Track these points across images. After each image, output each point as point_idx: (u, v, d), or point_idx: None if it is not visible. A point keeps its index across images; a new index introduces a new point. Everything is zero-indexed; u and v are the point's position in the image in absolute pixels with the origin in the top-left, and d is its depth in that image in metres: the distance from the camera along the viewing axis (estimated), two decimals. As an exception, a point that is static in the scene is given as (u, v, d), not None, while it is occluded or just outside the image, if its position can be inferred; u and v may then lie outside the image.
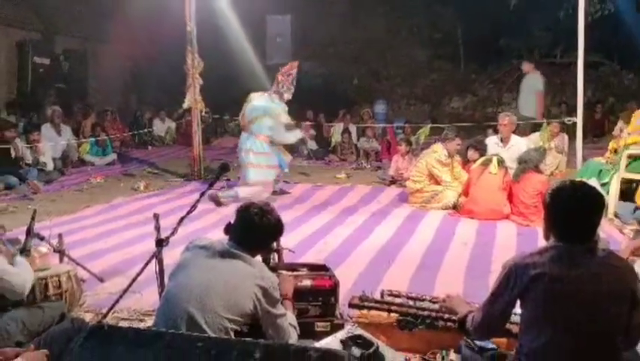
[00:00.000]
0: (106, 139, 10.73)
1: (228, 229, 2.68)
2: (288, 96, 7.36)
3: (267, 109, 7.21)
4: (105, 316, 3.23)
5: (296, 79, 7.43)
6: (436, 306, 3.19)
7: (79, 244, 5.23)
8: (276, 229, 2.74)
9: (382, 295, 3.34)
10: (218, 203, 6.83)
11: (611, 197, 6.24)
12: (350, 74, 15.68)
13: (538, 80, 9.68)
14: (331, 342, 2.66)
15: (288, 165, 7.78)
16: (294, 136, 7.66)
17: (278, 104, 7.30)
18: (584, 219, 2.28)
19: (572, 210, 2.27)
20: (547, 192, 2.38)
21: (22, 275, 2.95)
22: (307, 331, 2.94)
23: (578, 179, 3.75)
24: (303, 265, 3.50)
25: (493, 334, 2.56)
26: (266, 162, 7.22)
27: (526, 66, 9.90)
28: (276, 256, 3.30)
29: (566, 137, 9.10)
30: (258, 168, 7.17)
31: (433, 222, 6.29)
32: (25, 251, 3.50)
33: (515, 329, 2.51)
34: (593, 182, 6.24)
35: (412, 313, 3.12)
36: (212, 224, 5.91)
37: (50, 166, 8.91)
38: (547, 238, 2.38)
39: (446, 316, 3.09)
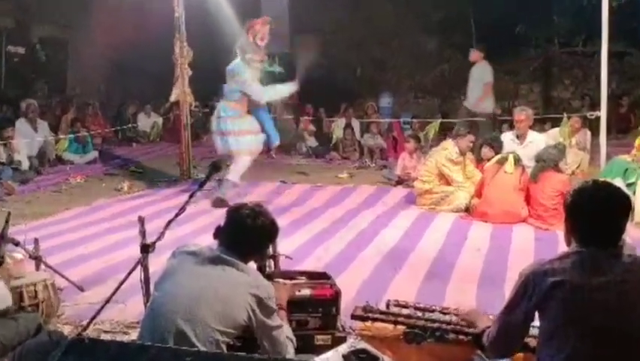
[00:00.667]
0: (86, 135, 10.75)
1: (218, 233, 2.68)
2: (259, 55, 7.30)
3: (231, 71, 7.20)
4: (85, 328, 3.23)
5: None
6: (447, 318, 3.19)
7: (57, 250, 5.24)
8: (270, 231, 2.73)
9: (388, 306, 3.33)
10: (224, 204, 6.67)
11: (638, 199, 6.24)
12: (352, 63, 15.67)
13: (487, 70, 9.79)
14: (332, 357, 2.66)
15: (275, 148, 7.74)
16: (284, 90, 7.61)
17: (245, 65, 7.20)
18: (609, 222, 2.28)
19: (596, 213, 2.27)
20: (568, 193, 2.39)
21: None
22: (306, 344, 2.94)
23: (602, 179, 3.76)
24: (302, 273, 3.49)
25: (510, 350, 2.53)
26: (247, 126, 7.16)
27: (474, 55, 9.98)
28: (272, 262, 3.30)
29: (588, 133, 9.11)
30: (240, 136, 7.13)
31: (444, 225, 6.29)
32: (-2, 258, 3.51)
33: (533, 342, 2.50)
34: (619, 182, 6.25)
35: (420, 326, 3.12)
36: (202, 228, 5.91)
37: (26, 165, 8.92)
38: (568, 243, 2.38)
39: (457, 328, 3.09)
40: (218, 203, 6.86)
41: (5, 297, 2.96)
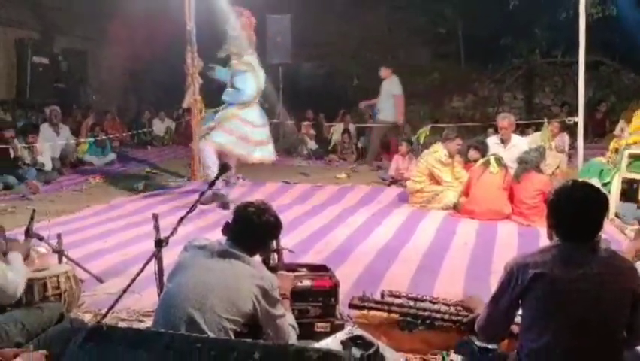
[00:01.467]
0: (105, 139, 10.74)
1: (226, 229, 2.68)
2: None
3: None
4: (104, 316, 3.22)
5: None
6: (436, 307, 3.20)
7: (78, 244, 5.23)
8: (275, 227, 2.73)
9: (382, 296, 3.34)
10: (225, 204, 6.62)
11: (613, 197, 6.23)
12: (350, 73, 15.67)
13: (396, 83, 10.12)
14: (331, 343, 2.66)
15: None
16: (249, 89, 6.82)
17: (227, 68, 7.00)
18: (587, 218, 2.28)
19: (575, 210, 2.27)
20: (550, 192, 2.39)
21: (15, 277, 2.93)
22: (307, 331, 2.94)
23: (580, 179, 3.75)
24: (303, 266, 3.50)
25: (497, 336, 2.55)
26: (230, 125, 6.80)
27: (383, 72, 10.25)
28: (275, 256, 3.30)
29: (566, 136, 9.10)
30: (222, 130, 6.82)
31: (434, 222, 6.29)
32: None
33: (516, 329, 2.51)
34: (595, 182, 6.24)
35: (412, 314, 3.13)
36: (211, 224, 5.90)
37: (49, 166, 8.91)
38: (550, 237, 2.39)
39: (446, 316, 3.09)
40: (221, 204, 6.69)
41: (15, 283, 2.90)
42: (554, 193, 2.35)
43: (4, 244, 3.18)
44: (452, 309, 3.17)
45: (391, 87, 10.06)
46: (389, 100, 10.06)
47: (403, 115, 10.21)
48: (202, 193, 3.00)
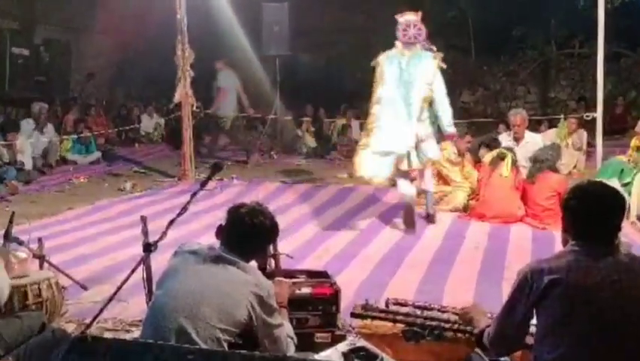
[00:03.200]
0: (89, 136, 10.74)
1: (220, 232, 2.68)
2: None
3: None
4: (88, 326, 3.22)
5: None
6: (445, 316, 3.19)
7: (60, 249, 5.23)
8: (270, 230, 2.73)
9: (387, 304, 3.33)
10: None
11: (634, 198, 6.23)
12: (352, 65, 15.67)
13: (228, 76, 10.47)
14: (332, 354, 2.67)
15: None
16: None
17: None
18: (603, 221, 2.28)
19: (590, 212, 2.27)
20: (564, 193, 2.40)
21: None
22: (306, 342, 2.94)
23: (598, 179, 3.76)
24: (302, 272, 3.50)
25: (511, 349, 2.52)
26: None
27: (218, 64, 10.55)
28: (272, 261, 3.30)
29: (584, 133, 9.10)
30: None
31: (442, 225, 6.29)
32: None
33: (530, 340, 2.50)
34: (614, 182, 6.24)
35: (418, 324, 3.12)
36: (204, 227, 5.91)
37: (29, 165, 8.91)
38: (565, 242, 2.39)
39: (455, 326, 3.09)
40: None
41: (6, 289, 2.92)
42: (568, 194, 2.36)
43: None
44: (461, 319, 3.17)
45: (226, 79, 10.44)
46: (231, 93, 10.42)
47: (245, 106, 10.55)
48: (194, 194, 3.00)
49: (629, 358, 2.18)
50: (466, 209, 6.71)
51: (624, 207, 2.36)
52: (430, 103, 5.91)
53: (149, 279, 3.10)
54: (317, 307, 3.15)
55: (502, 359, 2.67)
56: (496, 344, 2.43)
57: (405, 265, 4.94)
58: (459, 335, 3.06)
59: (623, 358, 2.17)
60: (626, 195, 6.22)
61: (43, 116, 9.99)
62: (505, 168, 6.41)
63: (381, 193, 8.02)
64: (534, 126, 9.88)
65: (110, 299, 3.00)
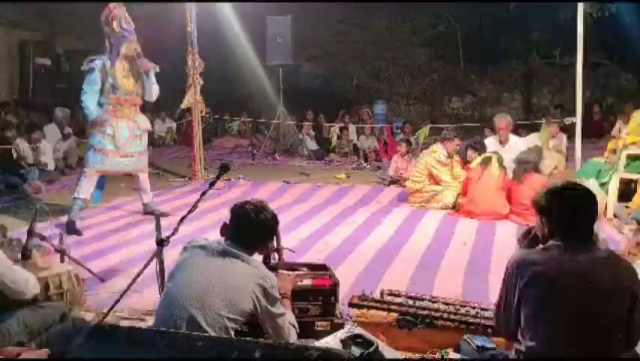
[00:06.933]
0: (107, 139, 10.69)
1: (225, 230, 2.69)
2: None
3: None
4: (106, 315, 3.21)
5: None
6: (436, 306, 3.20)
7: (80, 244, 5.23)
8: (272, 224, 2.74)
9: (382, 295, 3.34)
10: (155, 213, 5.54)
11: (610, 197, 6.23)
12: (350, 74, 15.69)
13: None
14: (331, 341, 2.66)
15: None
16: None
17: None
18: (577, 219, 2.30)
19: (565, 212, 2.29)
20: (538, 194, 2.40)
21: (24, 274, 2.94)
22: (307, 330, 2.94)
23: (578, 179, 3.75)
24: (304, 265, 3.50)
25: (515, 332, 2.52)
26: None
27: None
28: (276, 255, 3.30)
29: (564, 137, 9.09)
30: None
31: (433, 222, 6.28)
32: (26, 251, 3.51)
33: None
34: (592, 182, 6.25)
35: (411, 313, 3.13)
36: (212, 224, 5.90)
37: (52, 166, 8.91)
38: (542, 237, 2.40)
39: (445, 315, 3.10)
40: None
41: (36, 284, 2.95)
42: (544, 196, 2.36)
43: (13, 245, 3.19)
44: (451, 308, 3.18)
45: None
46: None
47: None
48: (203, 193, 3.00)
49: (605, 348, 2.19)
50: (455, 207, 6.71)
51: (595, 205, 2.36)
52: None
53: (161, 271, 3.10)
54: (317, 298, 3.15)
55: (489, 345, 2.68)
56: (502, 332, 2.49)
57: (398, 258, 4.94)
58: (448, 323, 3.06)
59: (600, 348, 2.18)
60: (603, 193, 6.23)
61: (65, 121, 9.97)
62: (494, 167, 6.42)
63: (376, 192, 8.03)
64: (517, 130, 9.89)
65: (126, 290, 2.99)
